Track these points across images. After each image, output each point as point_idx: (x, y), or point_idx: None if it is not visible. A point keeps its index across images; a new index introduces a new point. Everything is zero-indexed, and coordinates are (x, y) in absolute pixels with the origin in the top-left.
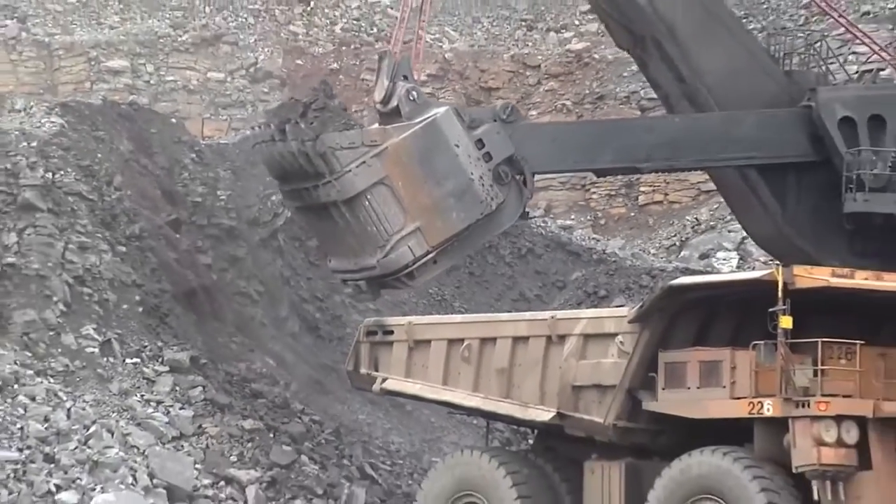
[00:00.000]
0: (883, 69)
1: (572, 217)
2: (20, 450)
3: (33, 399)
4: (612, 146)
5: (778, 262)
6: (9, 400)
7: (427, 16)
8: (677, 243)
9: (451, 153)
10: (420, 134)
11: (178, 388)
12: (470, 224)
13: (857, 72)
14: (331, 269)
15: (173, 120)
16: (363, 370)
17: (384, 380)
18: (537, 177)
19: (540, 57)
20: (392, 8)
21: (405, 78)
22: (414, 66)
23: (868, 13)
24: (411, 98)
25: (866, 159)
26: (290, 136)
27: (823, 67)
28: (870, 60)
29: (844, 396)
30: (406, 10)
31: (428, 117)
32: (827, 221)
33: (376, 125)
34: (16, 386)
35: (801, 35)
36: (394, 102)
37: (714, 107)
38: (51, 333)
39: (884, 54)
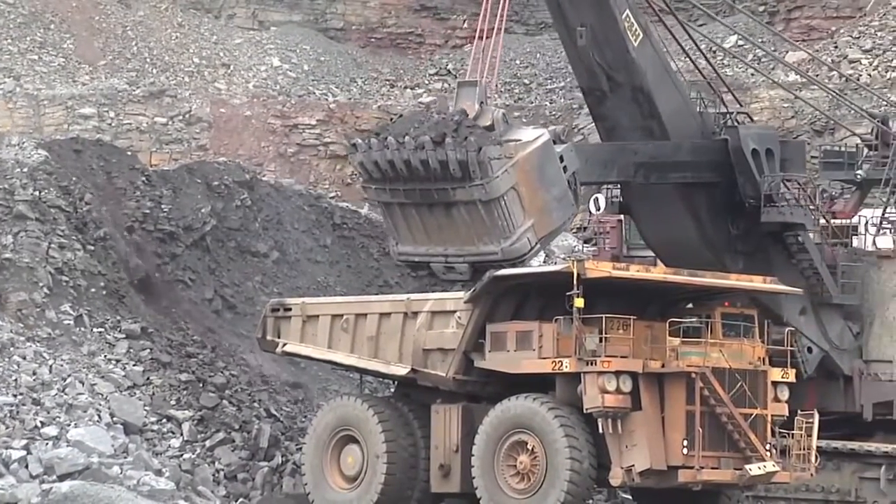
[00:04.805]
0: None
1: None
2: (14, 395)
3: (24, 358)
4: (616, 165)
5: (578, 258)
6: (6, 359)
7: (499, 53)
8: None
9: (556, 165)
10: (540, 149)
11: (132, 350)
12: (564, 222)
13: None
14: (398, 252)
15: (129, 153)
16: (269, 337)
17: (284, 344)
18: None
19: (399, 107)
20: (292, 72)
21: (482, 104)
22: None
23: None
24: (506, 120)
25: (771, 181)
26: (448, 146)
27: (717, 110)
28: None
29: (622, 357)
30: (489, 50)
31: (539, 137)
32: (719, 227)
33: (510, 142)
34: (12, 349)
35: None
36: (486, 121)
37: (667, 137)
38: (38, 310)
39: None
